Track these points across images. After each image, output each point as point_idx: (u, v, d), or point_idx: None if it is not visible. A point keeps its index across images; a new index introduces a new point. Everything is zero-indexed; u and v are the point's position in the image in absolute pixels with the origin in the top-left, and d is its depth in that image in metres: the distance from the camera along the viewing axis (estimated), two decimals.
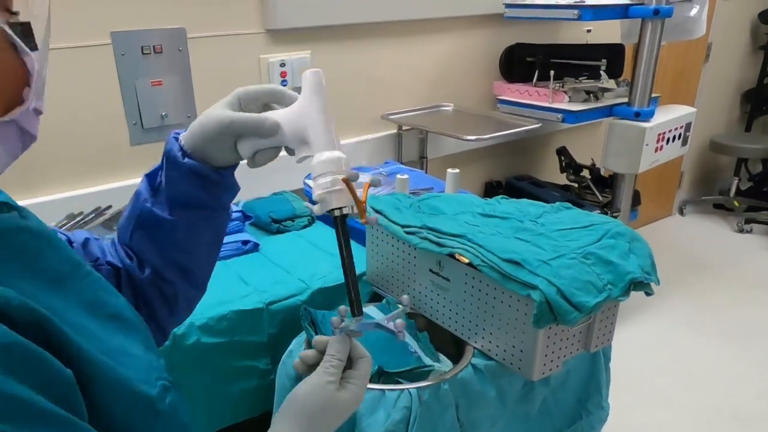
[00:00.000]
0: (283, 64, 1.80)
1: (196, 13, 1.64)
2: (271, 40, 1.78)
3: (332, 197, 0.58)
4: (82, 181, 1.62)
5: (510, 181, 2.59)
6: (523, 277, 0.99)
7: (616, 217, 2.45)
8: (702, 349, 2.46)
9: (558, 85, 2.28)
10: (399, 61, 2.08)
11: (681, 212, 3.75)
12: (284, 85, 1.78)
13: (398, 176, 1.49)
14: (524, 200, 1.31)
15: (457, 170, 1.56)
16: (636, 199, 2.59)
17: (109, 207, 1.52)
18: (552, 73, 2.23)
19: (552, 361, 1.05)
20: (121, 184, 1.64)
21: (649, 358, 2.39)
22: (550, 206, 1.27)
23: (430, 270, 1.16)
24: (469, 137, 1.89)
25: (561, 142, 2.68)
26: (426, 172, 2.13)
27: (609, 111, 2.28)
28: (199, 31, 1.65)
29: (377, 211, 1.24)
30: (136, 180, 1.61)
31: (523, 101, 2.29)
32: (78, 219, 1.47)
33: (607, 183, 2.56)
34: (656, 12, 2.03)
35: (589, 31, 2.62)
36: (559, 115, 2.17)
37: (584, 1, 2.07)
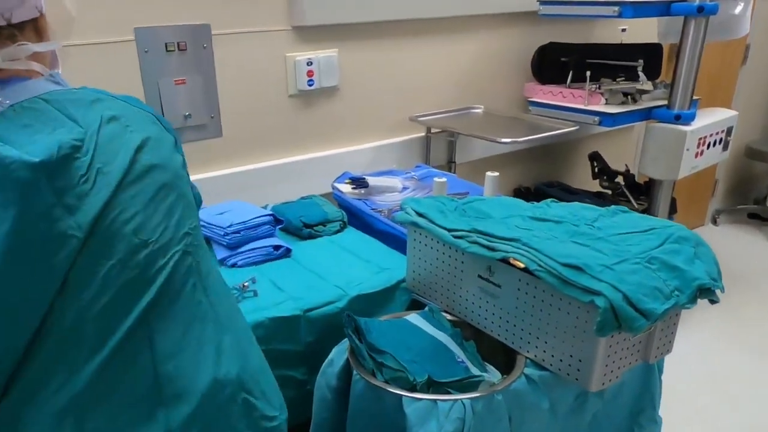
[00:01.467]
0: (310, 63, 1.80)
1: (221, 10, 1.63)
2: (298, 37, 1.78)
3: None
4: None
5: (539, 186, 2.57)
6: (585, 282, 0.97)
7: None
8: (741, 365, 2.42)
9: (594, 86, 2.26)
10: (427, 60, 2.07)
11: (714, 222, 3.72)
12: (310, 86, 1.81)
13: (436, 179, 1.48)
14: (576, 204, 1.29)
15: (496, 173, 1.54)
16: (673, 207, 2.56)
17: None
18: (588, 73, 2.21)
19: (612, 371, 1.03)
20: None
21: (686, 374, 2.35)
22: (605, 210, 1.25)
23: (479, 276, 1.14)
24: (504, 140, 1.88)
25: (592, 146, 2.66)
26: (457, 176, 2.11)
27: (647, 114, 2.26)
28: (224, 27, 1.65)
29: (420, 215, 1.22)
30: None
31: (556, 103, 2.28)
32: None
33: (642, 190, 2.54)
34: (700, 9, 2.01)
35: (624, 30, 2.61)
36: (596, 118, 2.15)
37: None
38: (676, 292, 1.01)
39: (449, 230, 1.16)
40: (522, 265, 1.05)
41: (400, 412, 0.96)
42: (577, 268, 0.99)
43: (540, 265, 1.02)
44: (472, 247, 1.11)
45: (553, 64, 2.35)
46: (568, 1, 2.18)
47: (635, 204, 2.50)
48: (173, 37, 1.57)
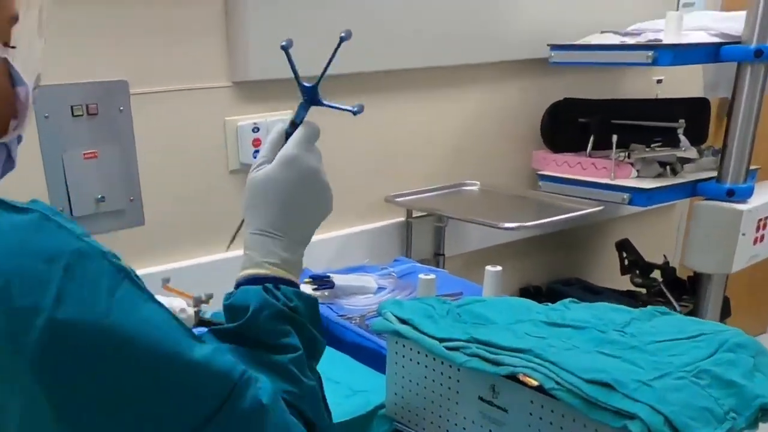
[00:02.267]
0: (256, 129, 1.89)
1: (141, 62, 1.71)
2: (241, 95, 1.87)
3: None
4: None
5: (552, 286, 2.65)
6: (616, 403, 1.02)
7: None
8: None
9: (622, 154, 2.35)
10: (409, 123, 2.18)
11: None
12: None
13: (422, 276, 1.54)
14: (602, 304, 1.36)
15: (498, 268, 1.62)
16: (726, 310, 2.65)
17: None
18: (615, 138, 2.26)
19: None
20: None
21: None
22: (639, 311, 1.32)
23: (480, 398, 1.18)
24: (508, 224, 1.94)
25: (621, 233, 2.76)
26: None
27: (691, 189, 2.33)
28: (146, 85, 1.72)
29: (403, 321, 1.27)
30: None
31: (573, 177, 2.36)
32: None
33: (686, 288, 2.63)
34: (758, 53, 2.06)
35: (659, 81, 2.74)
36: (626, 195, 2.22)
37: (661, 40, 2.16)
38: (732, 414, 1.06)
39: (441, 340, 1.21)
40: (536, 383, 1.09)
41: None
42: (606, 385, 1.04)
43: (558, 383, 1.06)
44: (471, 362, 1.15)
45: (570, 126, 2.45)
46: (585, 46, 2.31)
47: (677, 306, 2.58)
48: (81, 98, 1.65)
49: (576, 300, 1.39)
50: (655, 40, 2.20)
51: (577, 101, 2.48)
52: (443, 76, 2.25)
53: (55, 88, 1.61)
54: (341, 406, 1.31)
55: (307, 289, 1.68)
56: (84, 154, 1.66)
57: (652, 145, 2.48)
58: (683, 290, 2.64)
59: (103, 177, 1.69)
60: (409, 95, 2.19)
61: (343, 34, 0.97)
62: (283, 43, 0.96)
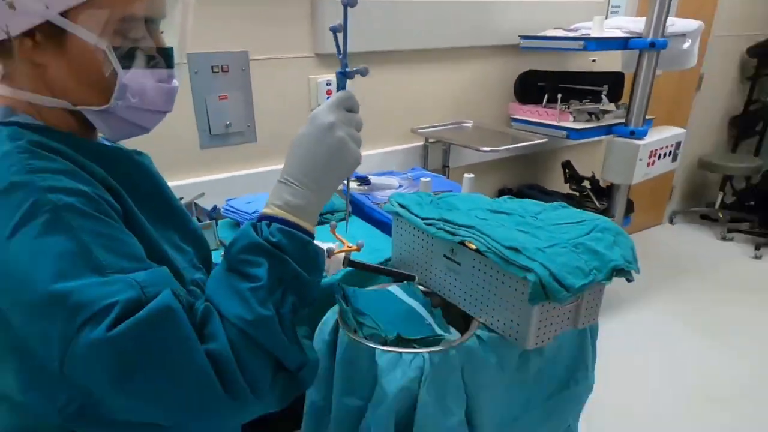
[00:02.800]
0: (329, 84, 1.85)
1: (258, 39, 1.69)
2: (320, 62, 1.83)
3: (334, 266, 0.71)
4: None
5: (520, 188, 2.58)
6: (521, 261, 1.01)
7: None
8: (685, 339, 2.40)
9: (564, 106, 2.27)
10: (428, 83, 2.10)
11: (671, 221, 3.66)
12: None
13: (422, 179, 1.52)
14: (527, 200, 1.32)
15: (471, 175, 1.58)
16: (629, 207, 2.55)
17: (181, 198, 1.57)
18: (559, 96, 2.24)
19: (544, 333, 1.06)
20: (193, 181, 1.70)
21: (637, 343, 2.35)
22: (548, 205, 1.28)
23: (445, 256, 1.18)
24: (485, 148, 1.90)
25: (566, 156, 2.67)
26: (448, 178, 2.15)
27: (608, 130, 2.26)
28: (260, 54, 1.71)
29: (401, 206, 1.27)
30: (203, 178, 1.71)
31: (534, 120, 2.30)
32: None
33: (605, 193, 2.53)
34: (652, 44, 2.01)
35: (594, 60, 2.60)
36: (565, 133, 2.17)
37: (590, 34, 2.07)
38: (595, 271, 1.03)
39: (423, 219, 1.20)
40: (474, 247, 1.08)
41: (373, 361, 1.01)
42: (516, 249, 1.03)
43: (488, 248, 1.05)
44: (438, 233, 1.15)
45: (532, 87, 2.37)
46: (543, 37, 2.20)
47: (597, 204, 2.49)
48: (218, 61, 1.64)
49: (513, 197, 1.34)
50: (586, 34, 2.05)
51: (538, 72, 2.37)
52: (452, 54, 2.14)
53: (202, 55, 1.62)
54: (365, 258, 1.31)
55: (353, 185, 1.68)
56: (219, 96, 1.67)
57: (584, 101, 2.35)
58: (603, 194, 2.54)
59: (231, 111, 1.70)
60: (430, 65, 2.10)
61: (345, 1, 0.67)
62: (332, 26, 0.68)
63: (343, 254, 0.72)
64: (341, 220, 1.57)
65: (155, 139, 1.65)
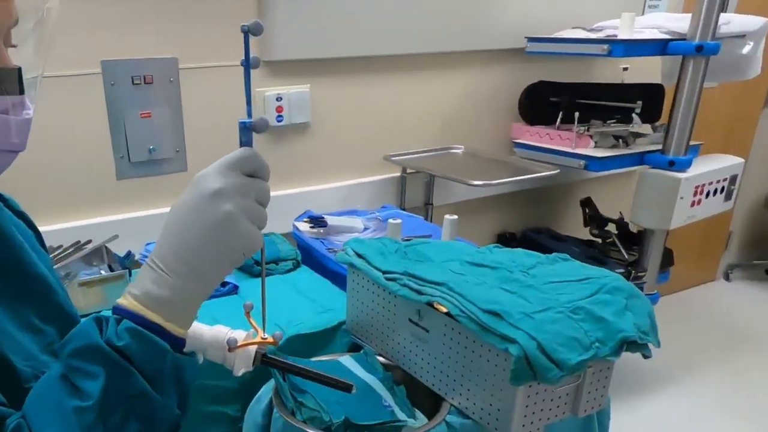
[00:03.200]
0: (279, 98, 1.92)
1: (189, 43, 1.75)
2: (269, 72, 1.90)
3: (243, 363, 0.71)
4: (65, 215, 1.72)
5: (526, 233, 2.64)
6: (502, 329, 1.04)
7: (640, 277, 2.47)
8: None
9: (583, 128, 2.31)
10: (406, 98, 2.18)
11: (727, 277, 3.74)
12: (279, 122, 1.93)
13: (390, 221, 1.56)
14: (519, 250, 1.37)
15: (454, 216, 1.63)
16: (668, 259, 2.61)
17: (89, 242, 1.61)
18: (577, 115, 2.25)
19: (533, 423, 1.09)
20: (105, 219, 1.75)
21: None
22: (545, 257, 1.33)
23: (410, 320, 1.21)
24: (476, 182, 1.95)
25: (586, 192, 2.73)
26: (430, 220, 2.20)
27: (640, 159, 2.28)
28: (192, 61, 1.77)
29: (359, 255, 1.31)
30: (120, 216, 1.74)
31: (543, 145, 2.35)
32: (58, 252, 1.56)
33: (636, 240, 2.59)
34: (699, 48, 2.02)
35: (625, 69, 2.63)
36: (582, 162, 2.20)
37: (617, 36, 2.10)
38: (597, 344, 1.07)
39: (384, 272, 1.24)
40: (445, 310, 1.12)
41: None
42: (496, 314, 1.06)
43: (462, 311, 1.09)
44: (402, 290, 1.19)
45: (542, 104, 2.41)
46: (557, 39, 2.25)
47: (625, 254, 2.55)
48: (140, 70, 1.70)
49: (500, 245, 1.39)
50: (612, 35, 2.12)
51: (550, 84, 2.43)
52: (438, 61, 2.22)
53: (120, 62, 1.68)
54: (312, 320, 1.38)
55: (305, 227, 1.72)
56: (141, 113, 1.72)
57: (608, 122, 2.43)
58: (633, 241, 2.60)
59: (155, 132, 1.75)
60: (409, 75, 2.18)
61: (245, 27, 0.64)
62: (245, 25, 0.64)
63: (254, 348, 0.70)
64: (288, 270, 1.61)
65: (59, 167, 1.73)
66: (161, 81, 1.74)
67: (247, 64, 0.66)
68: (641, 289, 2.39)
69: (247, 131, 0.66)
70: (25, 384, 0.63)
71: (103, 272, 1.47)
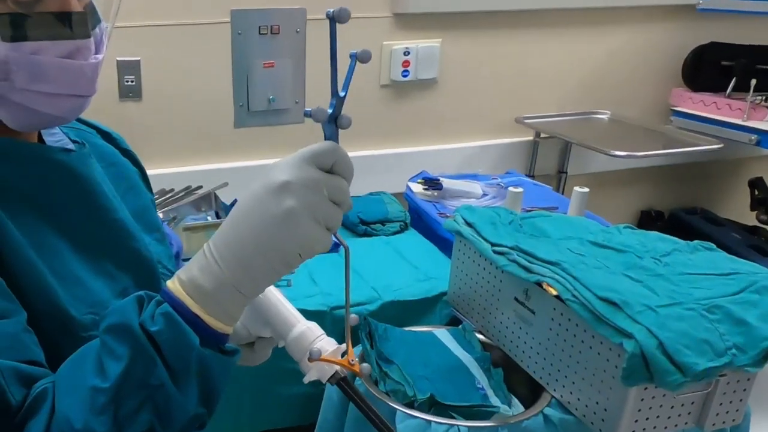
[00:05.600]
0: (407, 53, 1.87)
1: None
2: (398, 25, 1.86)
3: (318, 374, 0.65)
4: (180, 159, 1.79)
5: (676, 212, 2.43)
6: (618, 321, 0.95)
7: None
8: None
9: (761, 98, 2.08)
10: (546, 56, 2.05)
11: None
12: (405, 77, 1.88)
13: (510, 189, 1.48)
14: (654, 233, 1.24)
15: (585, 189, 1.50)
16: None
17: (200, 187, 1.67)
18: (753, 82, 2.02)
19: (645, 429, 0.99)
20: (218, 166, 1.79)
21: None
22: (685, 244, 1.19)
23: (515, 299, 1.14)
24: (618, 152, 1.80)
25: (758, 172, 2.44)
26: (562, 191, 2.06)
27: None
28: (320, 12, 1.76)
29: (468, 224, 1.24)
30: (231, 164, 1.79)
31: (707, 115, 2.14)
32: (168, 196, 1.64)
33: None
34: None
35: None
36: (754, 137, 2.00)
37: None
38: (734, 350, 0.94)
39: (493, 245, 1.17)
40: (555, 292, 1.04)
41: (393, 426, 1.01)
42: (613, 303, 0.97)
43: (574, 295, 1.01)
44: (509, 266, 1.12)
45: (712, 68, 2.20)
46: None
47: None
48: (268, 20, 1.72)
49: (633, 227, 1.26)
50: None
51: (724, 45, 2.19)
52: (590, 17, 2.06)
53: (249, 12, 1.70)
54: (411, 287, 1.35)
55: (418, 188, 1.67)
56: (264, 63, 1.74)
57: None
58: None
59: (276, 82, 1.77)
60: (553, 31, 2.03)
61: (330, 12, 0.58)
62: (329, 11, 0.58)
63: (335, 368, 0.65)
64: (395, 232, 1.58)
65: (180, 113, 1.81)
66: (288, 31, 1.75)
67: (334, 52, 0.59)
68: None
69: (331, 124, 0.60)
70: (83, 333, 0.64)
71: (209, 218, 1.52)
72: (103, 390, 0.53)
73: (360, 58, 0.58)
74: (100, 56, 0.65)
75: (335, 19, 0.57)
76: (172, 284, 0.58)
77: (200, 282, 0.56)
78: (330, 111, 0.60)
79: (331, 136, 0.60)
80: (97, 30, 0.65)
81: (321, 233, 0.56)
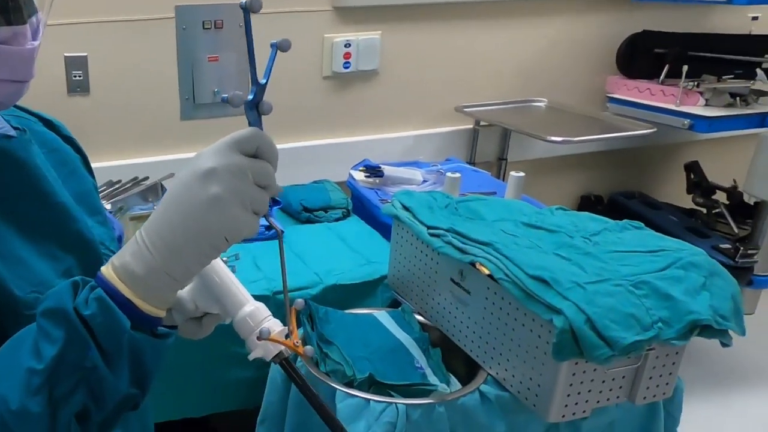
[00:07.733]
0: (347, 45, 1.86)
1: None
2: (339, 18, 1.86)
3: (263, 351, 0.64)
4: (127, 152, 1.78)
5: (615, 197, 2.47)
6: (548, 298, 0.96)
7: (751, 255, 2.24)
8: None
9: (692, 84, 2.12)
10: (484, 46, 2.07)
11: None
12: (346, 68, 1.87)
13: (448, 174, 1.48)
14: (585, 213, 1.26)
15: (521, 174, 1.52)
16: None
17: (146, 178, 1.65)
18: (685, 68, 2.06)
19: (577, 404, 1.00)
20: (165, 158, 1.77)
21: None
22: (614, 223, 1.21)
23: (452, 279, 1.15)
24: (555, 138, 1.82)
25: (693, 156, 2.50)
26: (503, 178, 2.08)
27: (762, 120, 2.08)
28: (263, 6, 1.73)
29: (405, 208, 1.24)
30: (178, 155, 1.76)
31: (641, 101, 2.18)
32: (116, 186, 1.63)
33: (749, 212, 2.35)
34: None
35: (755, 18, 2.37)
36: (687, 121, 2.03)
37: None
38: (660, 324, 0.96)
39: (429, 227, 1.18)
40: (487, 272, 1.04)
41: (333, 405, 1.00)
42: (543, 281, 0.98)
43: (506, 274, 1.01)
44: (444, 248, 1.12)
45: (646, 55, 2.24)
46: None
47: (735, 227, 2.32)
48: (212, 15, 1.72)
49: (565, 207, 1.28)
50: None
51: (656, 33, 2.24)
52: (527, 8, 2.08)
53: (193, 7, 1.70)
54: (353, 271, 1.35)
55: (360, 176, 1.67)
56: (208, 57, 1.74)
57: (724, 77, 2.19)
58: (746, 214, 2.36)
59: (221, 76, 1.77)
60: (490, 22, 2.04)
61: (244, 3, 0.58)
62: (243, 2, 0.58)
63: (280, 348, 0.65)
64: (337, 219, 1.57)
65: (126, 106, 1.77)
66: (231, 26, 1.74)
67: (250, 41, 0.60)
68: (750, 269, 2.19)
69: (252, 110, 0.61)
70: (27, 311, 0.64)
71: (155, 208, 1.50)
72: (38, 371, 0.54)
73: (280, 47, 0.60)
74: (36, 42, 0.65)
75: (249, 8, 0.59)
76: (106, 270, 0.59)
77: (132, 268, 0.57)
78: (251, 97, 0.60)
79: (254, 122, 0.61)
80: (33, 19, 0.64)
81: (247, 217, 0.57)
